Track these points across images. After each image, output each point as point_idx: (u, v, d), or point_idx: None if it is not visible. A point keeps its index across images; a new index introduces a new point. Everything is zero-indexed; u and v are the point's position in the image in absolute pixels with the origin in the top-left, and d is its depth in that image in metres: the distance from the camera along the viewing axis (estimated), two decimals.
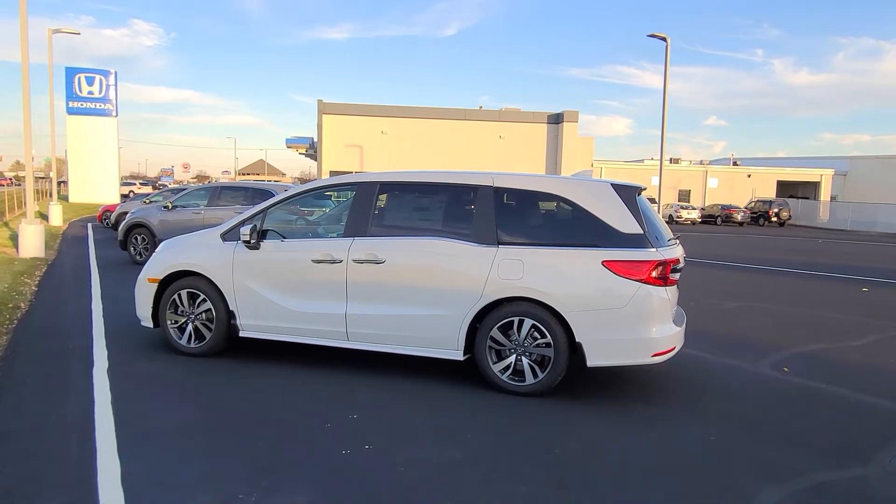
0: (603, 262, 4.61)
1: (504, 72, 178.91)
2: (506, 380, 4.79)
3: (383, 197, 5.37)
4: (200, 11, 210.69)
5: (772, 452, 3.91)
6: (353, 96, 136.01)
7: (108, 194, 40.97)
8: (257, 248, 5.39)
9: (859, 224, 41.14)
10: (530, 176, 5.15)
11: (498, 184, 5.03)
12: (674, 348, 4.80)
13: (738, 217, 41.13)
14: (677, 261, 4.85)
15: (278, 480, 3.32)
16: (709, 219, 42.16)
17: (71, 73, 42.60)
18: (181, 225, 11.67)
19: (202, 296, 5.53)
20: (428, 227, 5.23)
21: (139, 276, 5.85)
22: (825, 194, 49.09)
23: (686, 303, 8.04)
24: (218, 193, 12.60)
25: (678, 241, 5.29)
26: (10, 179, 64.34)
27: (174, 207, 12.43)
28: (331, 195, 9.54)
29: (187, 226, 11.26)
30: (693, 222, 40.48)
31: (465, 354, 4.92)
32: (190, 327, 5.59)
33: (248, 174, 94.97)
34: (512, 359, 4.78)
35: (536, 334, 4.70)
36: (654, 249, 4.64)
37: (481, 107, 47.11)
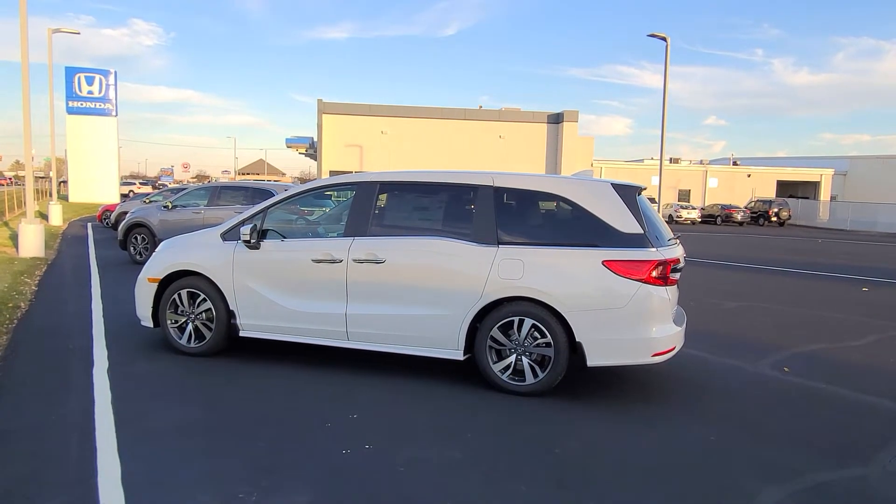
0: (603, 262, 4.61)
1: (504, 72, 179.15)
2: (506, 379, 4.79)
3: (383, 197, 5.37)
4: (200, 11, 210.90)
5: (772, 452, 3.91)
6: (353, 96, 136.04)
7: (107, 194, 40.99)
8: (257, 248, 5.39)
9: (859, 224, 41.13)
10: (530, 176, 5.15)
11: (498, 183, 5.03)
12: (674, 348, 4.80)
13: (738, 217, 41.11)
14: (677, 260, 4.85)
15: (278, 480, 3.32)
16: (709, 219, 42.15)
17: (71, 72, 42.60)
18: (181, 225, 11.67)
19: (202, 295, 5.53)
20: (428, 227, 5.23)
21: (139, 276, 5.85)
22: (825, 194, 49.09)
23: (686, 302, 8.04)
24: (218, 193, 12.60)
25: (678, 241, 5.29)
26: (10, 179, 64.35)
27: (174, 207, 12.43)
28: (331, 195, 9.54)
29: (187, 225, 11.26)
30: (693, 222, 40.47)
31: (465, 354, 4.92)
32: (190, 327, 5.59)
33: (248, 174, 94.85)
34: (512, 358, 4.78)
35: (536, 334, 4.70)
36: (654, 249, 4.64)
37: (481, 107, 47.14)
